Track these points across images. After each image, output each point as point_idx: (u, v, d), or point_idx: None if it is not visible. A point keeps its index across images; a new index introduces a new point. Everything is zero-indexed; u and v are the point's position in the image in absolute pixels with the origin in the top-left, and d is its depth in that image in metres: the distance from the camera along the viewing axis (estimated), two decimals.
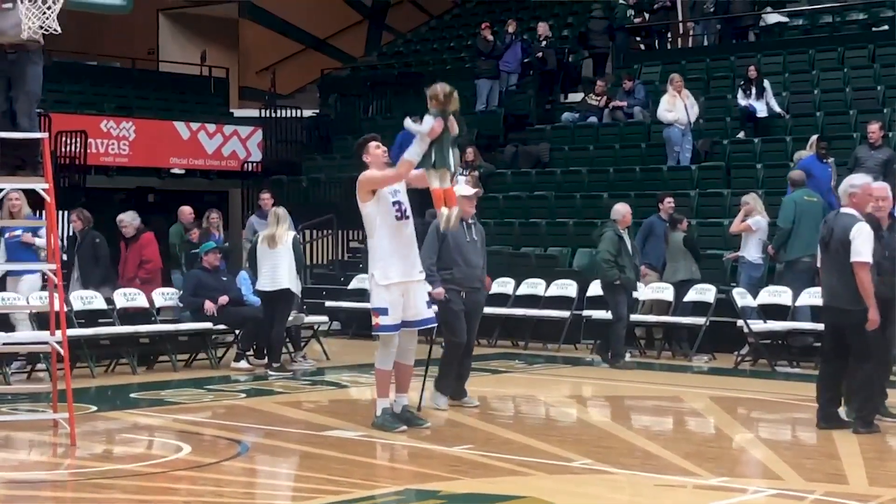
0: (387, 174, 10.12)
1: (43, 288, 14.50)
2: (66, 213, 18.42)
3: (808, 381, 12.58)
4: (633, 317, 16.40)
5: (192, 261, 17.04)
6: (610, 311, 15.42)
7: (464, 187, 11.67)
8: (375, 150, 10.27)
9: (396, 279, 10.13)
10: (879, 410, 10.56)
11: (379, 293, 10.17)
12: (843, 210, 10.34)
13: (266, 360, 14.82)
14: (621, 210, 15.40)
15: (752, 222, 16.13)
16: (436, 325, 10.68)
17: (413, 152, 9.93)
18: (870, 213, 10.40)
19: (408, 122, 10.14)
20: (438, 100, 9.98)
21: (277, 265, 14.46)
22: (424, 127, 9.87)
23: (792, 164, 17.69)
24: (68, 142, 21.85)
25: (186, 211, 18.15)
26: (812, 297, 14.53)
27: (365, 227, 10.39)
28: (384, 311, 10.14)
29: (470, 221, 11.49)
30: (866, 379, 10.22)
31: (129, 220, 16.28)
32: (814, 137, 17.53)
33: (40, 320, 13.50)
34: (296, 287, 14.75)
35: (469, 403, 11.65)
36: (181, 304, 15.33)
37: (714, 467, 8.90)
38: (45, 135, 10.27)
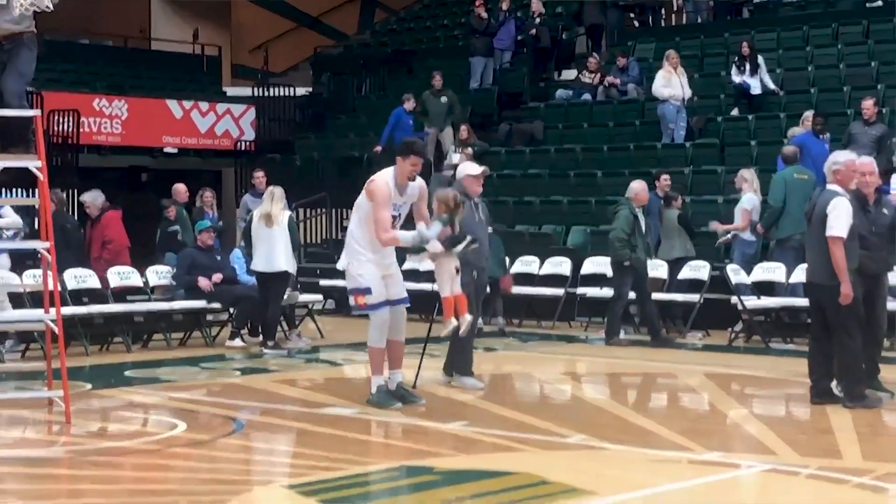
0: (380, 221, 10.10)
1: (12, 268, 14.44)
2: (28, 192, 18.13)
3: (802, 357, 12.59)
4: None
5: (169, 239, 17.01)
6: (613, 289, 15.33)
7: (471, 165, 11.65)
8: (411, 165, 10.22)
9: (371, 274, 10.26)
10: (871, 385, 10.57)
11: (360, 277, 10.26)
12: (828, 187, 10.39)
13: (260, 339, 14.85)
14: (636, 187, 15.18)
15: (745, 199, 16.13)
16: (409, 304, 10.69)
17: (406, 240, 10.24)
18: (856, 189, 10.44)
19: (420, 227, 10.27)
20: (448, 206, 10.37)
21: (273, 246, 14.46)
22: (433, 233, 10.21)
23: (786, 141, 17.70)
24: (61, 120, 21.81)
25: (181, 189, 18.11)
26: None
27: (354, 209, 10.45)
28: (368, 291, 10.22)
29: (476, 201, 11.47)
30: (849, 354, 10.25)
31: (90, 200, 16.18)
32: (807, 113, 17.52)
33: (33, 299, 13.49)
34: (292, 267, 14.76)
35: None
36: (175, 283, 15.29)
37: (708, 443, 8.93)
38: (37, 112, 10.25)
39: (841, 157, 10.55)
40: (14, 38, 9.82)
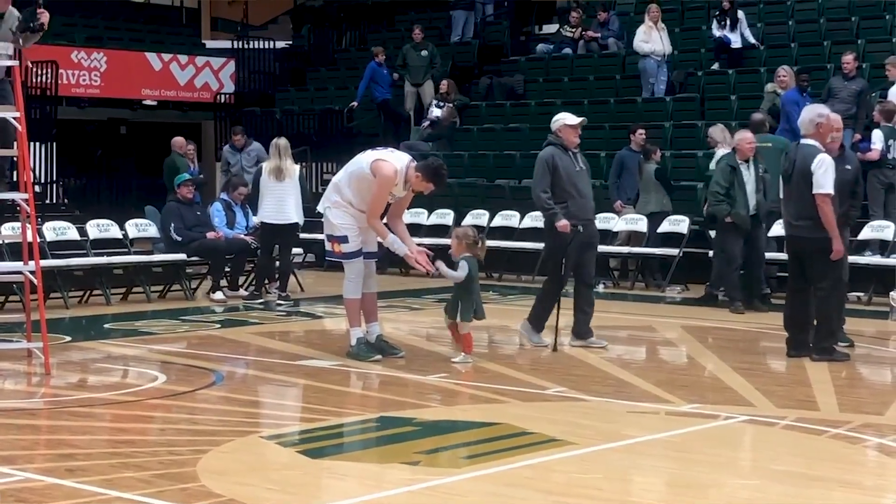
0: (375, 207, 10.15)
1: None
2: None
3: (780, 311, 12.67)
4: (607, 248, 16.50)
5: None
6: (722, 251, 14.01)
7: (568, 115, 11.25)
8: (425, 187, 10.21)
9: (349, 224, 10.31)
10: (837, 337, 10.62)
11: (340, 226, 10.29)
12: (804, 141, 10.37)
13: (241, 292, 14.95)
14: (738, 137, 14.17)
15: (720, 154, 16.13)
16: (378, 259, 10.75)
17: (390, 244, 10.22)
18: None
19: (443, 269, 10.19)
20: (469, 243, 10.29)
21: (284, 198, 14.55)
22: (461, 274, 10.14)
23: (765, 94, 17.70)
24: (39, 72, 21.63)
25: (179, 142, 18.10)
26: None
27: (349, 165, 10.44)
28: (344, 239, 10.28)
29: (575, 150, 11.18)
30: (827, 308, 10.31)
31: None
32: (780, 69, 17.51)
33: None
34: (301, 219, 14.88)
35: (596, 344, 11.23)
36: (179, 238, 14.99)
37: (686, 394, 8.99)
38: (15, 63, 10.20)
39: (824, 110, 10.55)
40: None
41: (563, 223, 10.86)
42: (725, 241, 13.93)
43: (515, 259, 17.56)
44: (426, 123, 21.24)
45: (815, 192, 10.08)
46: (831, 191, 10.09)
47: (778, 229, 14.37)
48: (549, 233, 11.17)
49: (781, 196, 10.79)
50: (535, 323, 11.28)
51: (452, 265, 10.31)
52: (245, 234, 15.32)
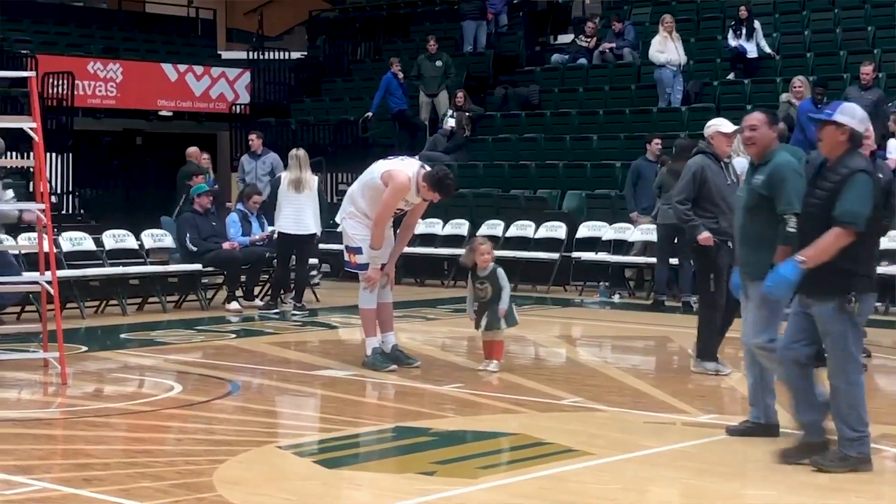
0: (383, 214, 10.18)
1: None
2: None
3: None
4: (623, 258, 16.49)
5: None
6: None
7: (724, 122, 10.47)
8: (433, 195, 10.21)
9: (364, 235, 10.30)
10: None
11: (354, 237, 10.31)
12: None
13: (257, 302, 14.96)
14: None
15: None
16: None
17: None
18: None
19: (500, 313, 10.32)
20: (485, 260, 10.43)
21: (302, 209, 14.58)
22: (505, 296, 10.40)
23: (779, 105, 17.68)
24: (55, 83, 21.71)
25: (194, 152, 18.13)
26: None
27: (363, 175, 10.46)
28: (359, 251, 10.28)
29: (726, 161, 10.41)
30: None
31: None
32: (795, 79, 17.47)
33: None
34: (319, 229, 14.94)
35: (722, 370, 10.43)
36: (194, 248, 14.94)
37: (703, 405, 8.97)
38: (32, 74, 10.23)
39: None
40: None
41: (705, 235, 9.98)
42: None
43: (530, 269, 17.54)
44: (443, 136, 21.19)
45: None
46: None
47: None
48: (695, 250, 10.29)
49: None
50: (705, 356, 10.48)
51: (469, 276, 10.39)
52: (259, 238, 15.27)
